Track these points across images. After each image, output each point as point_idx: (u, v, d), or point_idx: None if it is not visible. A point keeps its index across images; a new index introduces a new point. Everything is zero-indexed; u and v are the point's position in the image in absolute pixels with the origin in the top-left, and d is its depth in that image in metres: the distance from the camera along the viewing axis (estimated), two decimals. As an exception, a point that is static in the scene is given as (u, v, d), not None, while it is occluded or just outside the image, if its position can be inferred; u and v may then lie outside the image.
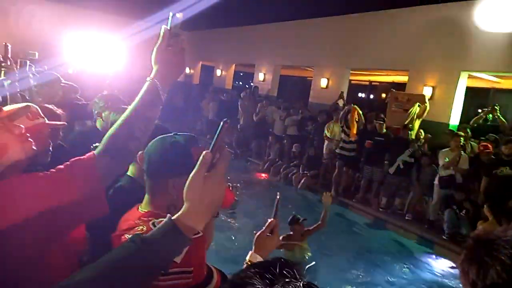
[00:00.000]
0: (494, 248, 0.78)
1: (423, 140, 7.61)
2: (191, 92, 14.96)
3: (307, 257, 4.13)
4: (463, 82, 8.43)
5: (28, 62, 2.55)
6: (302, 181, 8.36)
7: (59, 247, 1.09)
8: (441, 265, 5.56)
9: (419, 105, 7.70)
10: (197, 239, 0.83)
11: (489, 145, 6.13)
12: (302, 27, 12.30)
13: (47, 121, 1.31)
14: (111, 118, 2.82)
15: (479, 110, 9.17)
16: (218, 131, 0.83)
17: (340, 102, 9.94)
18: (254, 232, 1.44)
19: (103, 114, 2.94)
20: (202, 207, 0.82)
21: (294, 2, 11.20)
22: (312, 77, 12.25)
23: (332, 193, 7.93)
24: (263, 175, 9.51)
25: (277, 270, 0.69)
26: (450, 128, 7.96)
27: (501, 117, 7.50)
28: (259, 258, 1.36)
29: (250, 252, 1.38)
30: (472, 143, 7.05)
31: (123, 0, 12.38)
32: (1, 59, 1.95)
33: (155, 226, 0.96)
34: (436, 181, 6.41)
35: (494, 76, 9.08)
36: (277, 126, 10.22)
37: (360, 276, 5.00)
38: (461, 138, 6.37)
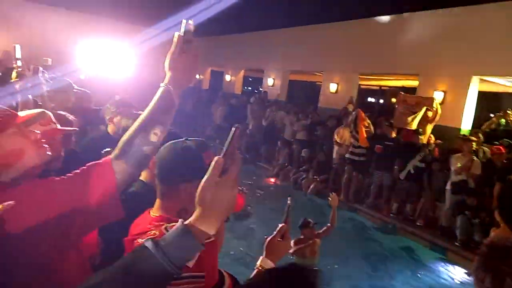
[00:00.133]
0: (510, 256, 0.76)
1: (433, 145, 7.52)
2: (201, 97, 15.05)
3: (316, 262, 4.10)
4: (475, 86, 8.33)
5: (41, 68, 2.58)
6: (312, 186, 8.33)
7: (73, 251, 1.10)
8: (453, 272, 5.47)
9: (427, 109, 7.61)
10: (209, 244, 0.83)
11: (502, 148, 6.04)
12: (311, 32, 12.31)
13: (59, 127, 1.33)
14: (122, 123, 2.85)
15: (491, 115, 9.06)
16: (230, 136, 0.84)
17: (350, 107, 9.90)
18: (265, 237, 1.44)
19: (114, 120, 2.97)
20: (214, 212, 0.82)
21: (303, 8, 11.22)
22: (321, 82, 12.23)
23: (341, 197, 7.88)
24: (273, 180, 9.49)
25: (293, 276, 0.69)
26: (461, 133, 7.86)
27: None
28: (270, 263, 1.36)
29: (261, 257, 1.38)
30: (484, 148, 6.95)
31: (133, 8, 12.54)
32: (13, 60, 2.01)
33: (167, 230, 0.97)
34: (448, 187, 6.33)
35: (507, 80, 8.96)
36: (287, 131, 10.21)
37: (371, 282, 4.95)
38: (473, 143, 6.28)
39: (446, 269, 5.59)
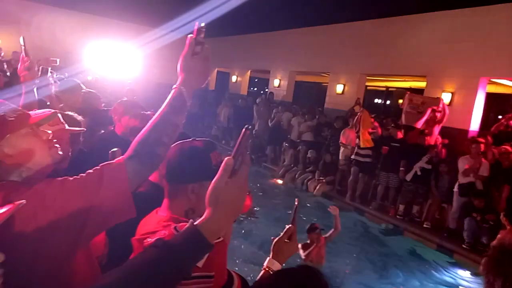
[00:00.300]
0: None
1: (441, 146, 7.46)
2: (207, 98, 15.10)
3: (323, 265, 4.10)
4: (483, 88, 8.26)
5: (49, 68, 2.61)
6: (318, 187, 8.31)
7: (83, 251, 1.11)
8: (461, 274, 5.43)
9: (435, 110, 7.56)
10: (218, 244, 0.83)
11: (509, 148, 5.98)
12: (317, 33, 12.28)
13: (67, 127, 1.34)
14: (130, 123, 2.87)
15: (500, 117, 8.96)
16: (240, 137, 0.84)
17: (357, 108, 9.85)
18: (272, 238, 1.44)
19: (122, 120, 2.99)
20: (225, 213, 0.83)
21: (310, 9, 11.21)
22: (327, 83, 12.20)
23: (347, 198, 7.85)
24: (278, 181, 9.48)
25: (306, 278, 0.69)
26: (470, 134, 7.80)
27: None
28: (277, 264, 1.36)
29: (268, 258, 1.38)
30: (493, 150, 6.88)
31: (142, 9, 12.62)
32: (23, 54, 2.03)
33: (177, 231, 0.97)
34: (455, 189, 6.28)
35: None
36: (293, 132, 10.19)
37: (378, 284, 4.93)
38: (482, 145, 6.23)
39: (453, 271, 5.55)
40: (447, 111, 7.64)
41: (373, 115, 8.24)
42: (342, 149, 8.42)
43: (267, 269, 1.34)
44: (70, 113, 2.06)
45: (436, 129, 7.63)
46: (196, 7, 7.81)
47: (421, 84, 9.77)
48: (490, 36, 7.91)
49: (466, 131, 8.08)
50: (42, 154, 1.11)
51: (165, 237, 0.95)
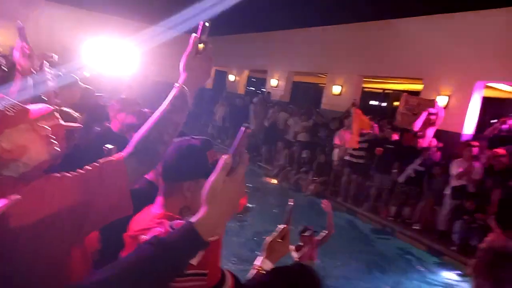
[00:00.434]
0: (509, 263, 0.76)
1: (434, 149, 7.51)
2: (204, 96, 15.07)
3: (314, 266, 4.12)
4: (479, 92, 8.32)
5: (47, 64, 2.60)
6: (312, 187, 8.34)
7: (78, 248, 1.12)
8: (450, 276, 5.49)
9: (430, 113, 7.61)
10: (213, 242, 0.84)
11: (501, 153, 6.03)
12: (316, 34, 12.31)
13: (63, 123, 1.35)
14: (127, 120, 2.88)
15: (493, 121, 9.02)
16: (239, 136, 0.85)
17: (353, 110, 9.89)
18: (264, 237, 1.46)
19: (118, 117, 3.00)
20: (221, 211, 0.83)
21: (309, 9, 11.21)
22: (325, 84, 12.24)
23: (340, 199, 7.88)
24: (273, 180, 9.50)
25: (299, 276, 0.71)
26: (464, 138, 7.86)
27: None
28: (268, 264, 1.38)
29: (260, 258, 1.40)
30: (487, 153, 6.93)
31: (140, 6, 12.56)
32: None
33: (172, 228, 0.99)
34: (447, 191, 6.33)
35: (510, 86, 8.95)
36: (289, 132, 10.21)
37: (367, 285, 4.97)
38: (475, 149, 6.28)
39: (442, 272, 5.61)
40: (442, 113, 7.69)
41: (369, 117, 8.28)
42: (336, 149, 8.46)
43: (259, 268, 1.35)
44: (66, 109, 2.07)
45: (431, 131, 7.68)
46: (195, 4, 7.78)
47: (418, 86, 9.83)
48: (486, 40, 7.96)
49: (460, 135, 8.14)
50: (40, 149, 1.12)
51: (160, 234, 0.96)
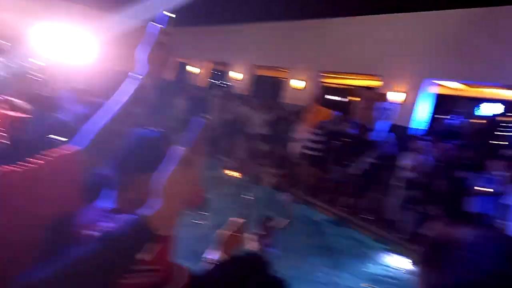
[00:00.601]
0: (450, 250, 0.78)
1: (387, 142, 7.83)
2: (164, 88, 14.74)
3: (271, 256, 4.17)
4: (430, 88, 8.76)
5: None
6: (271, 180, 8.45)
7: (25, 240, 1.07)
8: (398, 263, 5.77)
9: (385, 108, 7.93)
10: (166, 237, 0.83)
11: (449, 146, 6.41)
12: (278, 29, 12.39)
13: (11, 113, 1.29)
14: (79, 111, 2.77)
15: (443, 116, 9.57)
16: (196, 127, 0.84)
17: (312, 104, 10.08)
18: (218, 230, 1.45)
19: (71, 107, 2.88)
20: (174, 204, 0.81)
21: (271, 4, 11.25)
22: (286, 78, 12.36)
23: (299, 191, 8.04)
24: (233, 173, 9.50)
25: (250, 266, 0.71)
26: (416, 132, 8.25)
27: (464, 123, 7.87)
28: (221, 256, 1.38)
29: (212, 250, 1.40)
30: (435, 146, 7.33)
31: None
32: None
33: (122, 222, 0.96)
34: (397, 182, 6.64)
35: (460, 83, 9.48)
36: (249, 125, 10.24)
37: (320, 273, 5.11)
38: (425, 142, 6.62)
39: (392, 260, 5.88)
40: (396, 109, 8.03)
41: (327, 110, 8.51)
42: (294, 143, 8.61)
43: (210, 261, 1.35)
44: (15, 99, 1.96)
45: (386, 125, 8.00)
46: (155, -6, 7.58)
47: (376, 83, 10.18)
48: (437, 40, 8.39)
49: (413, 129, 8.55)
50: None
51: (110, 228, 0.94)
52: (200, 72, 16.27)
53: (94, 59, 10.44)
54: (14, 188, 0.99)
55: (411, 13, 9.00)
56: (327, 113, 8.31)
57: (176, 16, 1.21)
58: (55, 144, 1.83)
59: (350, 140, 7.54)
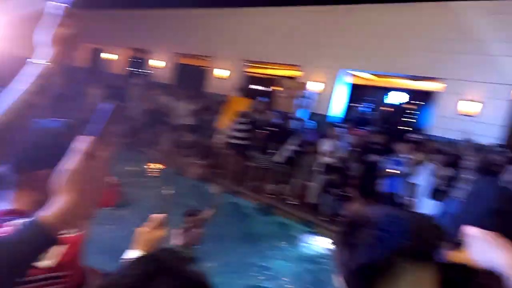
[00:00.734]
0: (361, 230, 0.81)
1: (308, 130, 8.21)
2: (75, 76, 13.63)
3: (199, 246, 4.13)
4: (345, 78, 9.33)
5: None
6: (196, 170, 8.35)
7: None
8: (322, 244, 6.10)
9: (305, 97, 8.30)
10: (72, 239, 0.75)
11: (359, 132, 6.92)
12: (201, 16, 12.16)
13: None
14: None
15: (357, 104, 10.28)
16: (105, 115, 0.75)
17: (236, 93, 10.14)
18: (136, 228, 1.38)
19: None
20: (77, 201, 0.72)
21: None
22: (210, 67, 12.23)
23: (225, 180, 8.08)
24: (156, 165, 9.19)
25: (159, 263, 0.66)
26: (332, 120, 8.76)
27: (374, 111, 8.53)
28: (137, 254, 1.30)
29: (130, 250, 1.32)
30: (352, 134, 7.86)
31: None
32: None
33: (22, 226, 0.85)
34: (317, 167, 6.99)
35: (371, 74, 10.23)
36: (172, 115, 9.97)
37: (246, 259, 5.22)
38: (342, 129, 7.05)
39: (314, 241, 6.20)
40: (315, 97, 8.43)
41: (251, 99, 8.61)
42: (218, 133, 8.60)
43: (126, 261, 1.28)
44: None
45: (305, 113, 8.38)
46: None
47: (297, 73, 10.54)
48: (349, 33, 8.94)
49: (330, 117, 9.05)
50: None
51: (6, 233, 0.82)
52: (117, 59, 15.35)
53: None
54: None
55: (327, 6, 9.43)
56: (248, 103, 8.41)
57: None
58: None
59: (273, 128, 7.72)
